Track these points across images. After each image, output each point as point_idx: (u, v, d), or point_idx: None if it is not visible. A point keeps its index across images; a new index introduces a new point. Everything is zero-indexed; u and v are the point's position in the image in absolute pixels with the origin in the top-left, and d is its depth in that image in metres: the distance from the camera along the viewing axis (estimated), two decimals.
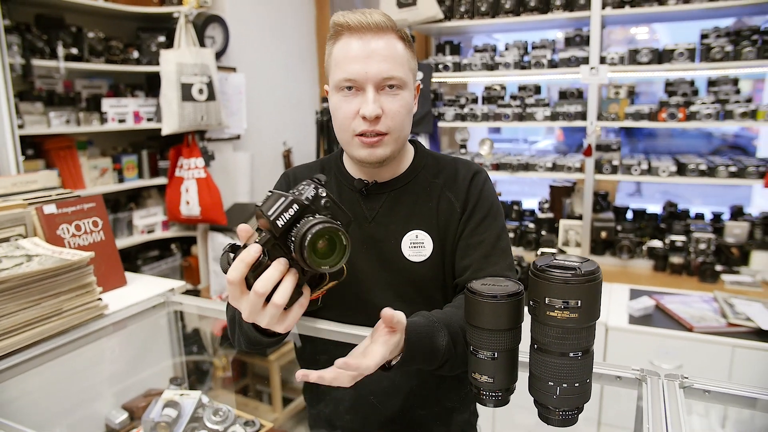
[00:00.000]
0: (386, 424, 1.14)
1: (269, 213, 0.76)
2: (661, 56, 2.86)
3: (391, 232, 1.09)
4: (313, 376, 0.82)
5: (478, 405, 1.27)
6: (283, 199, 0.77)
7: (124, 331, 1.34)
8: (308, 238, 0.72)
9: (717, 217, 3.17)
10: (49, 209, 1.36)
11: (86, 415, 1.24)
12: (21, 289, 1.10)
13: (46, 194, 1.49)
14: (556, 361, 0.76)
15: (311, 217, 0.77)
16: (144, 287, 1.47)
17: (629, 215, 3.32)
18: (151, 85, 3.22)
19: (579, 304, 0.73)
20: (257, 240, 0.77)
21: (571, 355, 0.75)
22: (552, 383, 0.77)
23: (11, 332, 1.09)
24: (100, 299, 1.28)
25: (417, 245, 1.09)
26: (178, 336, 1.45)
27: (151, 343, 1.46)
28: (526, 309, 0.80)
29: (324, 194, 0.80)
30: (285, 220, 0.76)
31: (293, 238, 0.75)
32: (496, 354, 0.81)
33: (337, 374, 0.81)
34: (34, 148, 2.67)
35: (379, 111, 0.99)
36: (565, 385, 0.76)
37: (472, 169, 1.14)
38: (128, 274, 1.53)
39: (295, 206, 0.76)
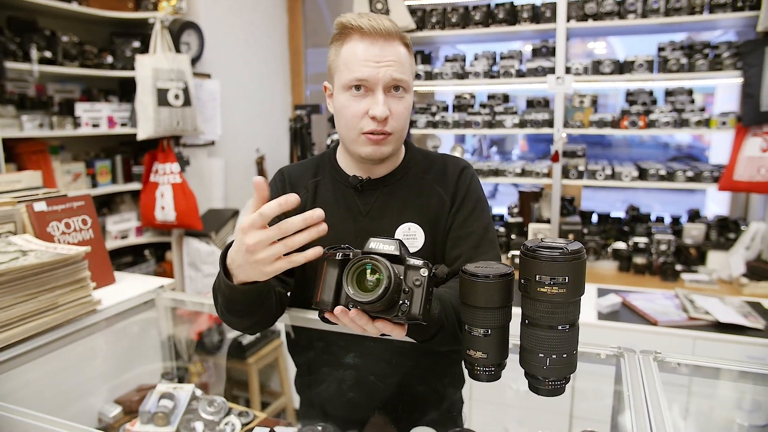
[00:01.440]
0: (382, 406, 1.19)
1: None
2: (622, 67, 3.02)
3: (384, 225, 1.15)
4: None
5: (465, 393, 1.33)
6: None
7: (116, 327, 1.36)
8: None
9: (676, 220, 3.35)
10: (40, 207, 1.37)
11: (80, 409, 1.25)
12: (18, 283, 1.11)
13: (32, 193, 1.49)
14: (545, 333, 0.83)
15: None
16: (133, 285, 1.48)
17: (594, 219, 3.46)
18: (124, 91, 3.20)
19: (566, 280, 0.80)
20: None
21: (560, 327, 0.82)
22: (542, 355, 0.83)
23: (8, 325, 1.10)
24: (92, 295, 1.29)
25: (409, 237, 1.15)
26: (168, 333, 1.47)
27: (142, 340, 1.48)
28: (516, 288, 0.87)
29: None
30: None
31: None
32: (489, 331, 0.87)
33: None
34: (6, 152, 2.62)
35: (388, 112, 1.05)
36: (554, 356, 0.83)
37: (460, 164, 1.22)
38: (117, 273, 1.54)
39: None
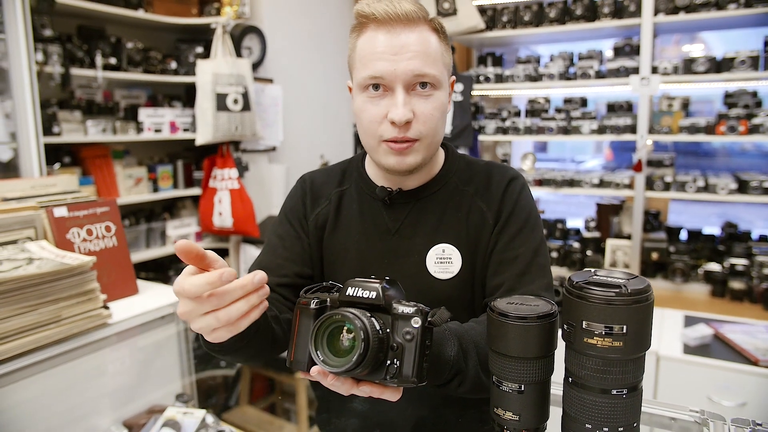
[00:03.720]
0: None
1: None
2: (719, 65, 2.66)
3: (415, 245, 0.98)
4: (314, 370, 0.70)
5: None
6: None
7: (131, 342, 1.27)
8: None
9: None
10: (60, 212, 1.31)
11: (84, 430, 1.17)
12: (16, 293, 1.04)
13: (63, 198, 1.44)
14: (595, 399, 0.62)
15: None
16: (155, 296, 1.40)
17: (683, 236, 3.09)
18: (189, 96, 3.22)
19: (624, 330, 0.59)
20: None
21: (614, 392, 0.62)
22: (590, 426, 0.63)
23: (4, 339, 1.03)
24: (105, 307, 1.21)
25: (444, 261, 0.97)
26: (188, 349, 1.37)
27: (158, 356, 1.39)
28: (560, 335, 0.67)
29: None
30: None
31: None
32: (522, 387, 0.68)
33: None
34: (71, 156, 2.69)
35: (410, 115, 0.87)
36: (606, 429, 0.62)
37: (508, 174, 1.01)
38: (141, 283, 1.46)
39: None
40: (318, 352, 0.67)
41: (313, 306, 0.72)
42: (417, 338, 0.67)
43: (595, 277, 0.64)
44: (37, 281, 1.06)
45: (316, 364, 0.68)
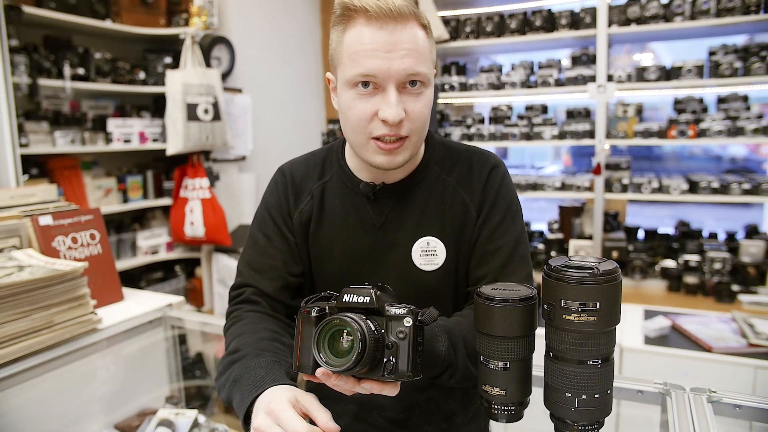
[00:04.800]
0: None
1: None
2: (669, 73, 2.84)
3: (400, 239, 1.01)
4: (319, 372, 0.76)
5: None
6: None
7: (119, 347, 1.29)
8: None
9: (731, 236, 3.10)
10: (45, 221, 1.33)
11: None
12: (9, 300, 1.05)
13: (44, 207, 1.45)
14: (573, 369, 0.70)
15: None
16: (141, 303, 1.42)
17: (641, 235, 3.25)
18: (157, 106, 3.22)
19: (598, 306, 0.67)
20: None
21: (590, 363, 0.69)
22: (569, 394, 0.71)
23: None
24: (94, 313, 1.23)
25: (429, 253, 1.00)
26: (175, 353, 1.39)
27: (147, 361, 1.41)
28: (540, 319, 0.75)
29: None
30: None
31: None
32: (508, 364, 0.75)
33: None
34: (39, 168, 2.66)
35: (402, 114, 0.87)
36: (584, 396, 0.70)
37: (489, 163, 1.03)
38: (126, 290, 1.48)
39: None
40: (321, 354, 0.73)
41: (314, 314, 0.78)
42: (409, 336, 0.74)
43: (570, 261, 0.71)
44: (30, 287, 1.08)
45: (319, 366, 0.74)
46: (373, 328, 0.73)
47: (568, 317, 0.68)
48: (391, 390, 0.76)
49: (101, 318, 1.24)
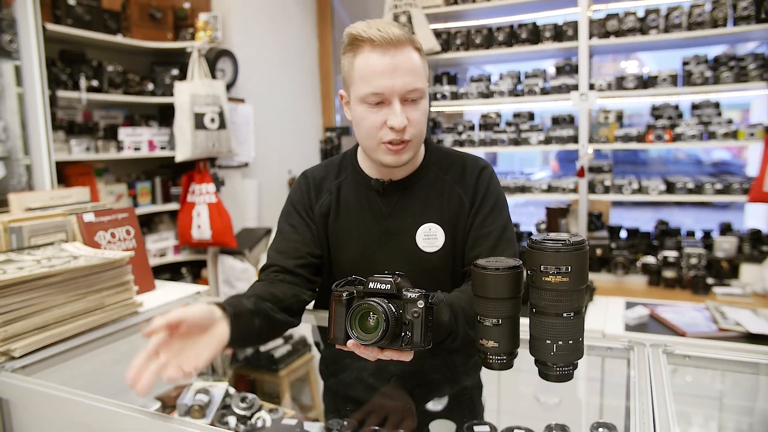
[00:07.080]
0: (399, 380, 1.26)
1: None
2: (646, 82, 3.05)
3: (406, 225, 1.21)
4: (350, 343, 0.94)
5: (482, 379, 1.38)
6: None
7: None
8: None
9: (707, 234, 3.31)
10: (89, 218, 1.49)
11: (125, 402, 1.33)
12: (70, 283, 1.21)
13: (82, 207, 1.62)
14: (552, 321, 0.88)
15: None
16: (172, 292, 1.58)
17: (623, 234, 3.45)
18: (163, 116, 3.39)
19: (569, 270, 0.85)
20: None
21: (565, 315, 0.87)
22: (549, 341, 0.88)
23: (60, 322, 1.20)
24: (135, 297, 1.39)
25: (430, 237, 1.20)
26: None
27: None
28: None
29: None
30: None
31: None
32: (500, 321, 0.93)
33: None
34: (56, 175, 2.81)
35: (405, 122, 1.07)
36: (561, 343, 0.88)
37: (479, 165, 1.25)
38: (156, 281, 1.64)
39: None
40: (353, 331, 0.92)
41: (345, 297, 0.97)
42: (422, 315, 0.93)
43: (548, 237, 0.90)
44: (87, 273, 1.24)
45: (350, 338, 0.93)
46: (394, 310, 0.92)
47: (546, 279, 0.86)
48: (407, 357, 0.95)
49: (142, 302, 1.40)
